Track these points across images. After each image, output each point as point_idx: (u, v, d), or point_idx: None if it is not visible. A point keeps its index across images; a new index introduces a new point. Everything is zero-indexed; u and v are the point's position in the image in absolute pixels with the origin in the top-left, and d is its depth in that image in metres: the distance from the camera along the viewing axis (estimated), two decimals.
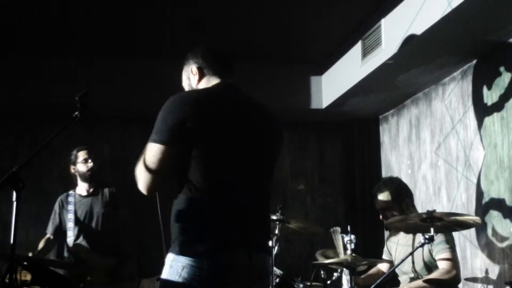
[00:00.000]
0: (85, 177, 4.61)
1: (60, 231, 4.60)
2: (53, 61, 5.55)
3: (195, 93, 2.34)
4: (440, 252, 3.64)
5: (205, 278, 2.09)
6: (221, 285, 2.12)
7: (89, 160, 4.60)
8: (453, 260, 3.62)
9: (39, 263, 4.07)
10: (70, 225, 4.52)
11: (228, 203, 2.19)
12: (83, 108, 2.48)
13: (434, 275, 3.60)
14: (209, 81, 2.41)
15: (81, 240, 4.50)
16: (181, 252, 2.12)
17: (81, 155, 4.62)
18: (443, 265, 3.62)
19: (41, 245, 4.55)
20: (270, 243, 2.51)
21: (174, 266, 2.12)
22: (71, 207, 4.58)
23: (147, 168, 2.16)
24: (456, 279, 3.61)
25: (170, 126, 2.14)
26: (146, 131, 7.18)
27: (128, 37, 5.22)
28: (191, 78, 2.45)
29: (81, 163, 4.60)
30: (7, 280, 2.39)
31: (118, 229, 4.60)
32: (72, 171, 4.65)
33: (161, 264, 2.23)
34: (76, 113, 2.48)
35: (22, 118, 5.96)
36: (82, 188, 4.66)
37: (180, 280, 2.10)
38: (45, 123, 5.19)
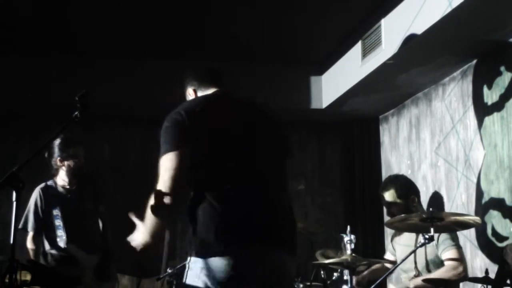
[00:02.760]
0: (72, 173, 4.25)
1: (43, 226, 4.22)
2: (53, 61, 5.55)
3: (186, 102, 2.53)
4: (446, 250, 3.63)
5: (223, 278, 2.17)
6: (239, 284, 2.19)
7: (81, 157, 4.27)
8: (460, 257, 3.62)
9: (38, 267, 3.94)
10: (59, 223, 4.17)
11: (237, 202, 2.26)
12: (83, 108, 2.48)
13: (440, 271, 3.59)
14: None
15: (71, 239, 4.17)
16: (198, 253, 2.22)
17: (73, 150, 4.24)
18: (449, 262, 3.61)
19: (31, 246, 4.21)
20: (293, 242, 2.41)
21: (193, 268, 2.22)
22: (55, 202, 4.23)
23: (166, 181, 2.21)
24: (463, 276, 3.60)
25: (173, 134, 2.29)
26: (146, 131, 7.17)
27: (128, 37, 5.22)
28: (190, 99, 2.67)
29: (72, 159, 4.22)
30: (7, 280, 2.39)
31: (98, 226, 4.34)
32: (59, 163, 4.24)
33: (160, 264, 2.25)
34: (76, 113, 2.48)
35: (22, 118, 5.96)
36: (64, 181, 4.30)
37: (200, 282, 2.18)
38: (45, 123, 5.19)
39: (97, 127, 5.92)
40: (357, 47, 5.06)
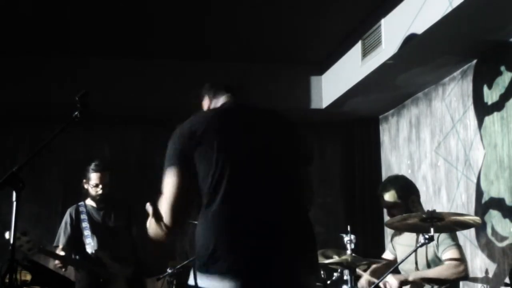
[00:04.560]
0: (95, 200, 4.49)
1: (73, 241, 4.44)
2: (53, 61, 5.55)
3: (190, 119, 2.36)
4: (446, 250, 3.61)
5: None
6: None
7: (100, 186, 4.43)
8: (460, 256, 3.60)
9: (78, 264, 4.33)
10: (87, 233, 4.41)
11: (240, 218, 2.13)
12: (83, 108, 2.47)
13: (440, 269, 3.57)
14: (216, 105, 2.52)
15: (99, 247, 4.40)
16: (200, 270, 2.10)
17: (93, 178, 4.43)
18: (450, 261, 3.60)
19: (61, 253, 4.36)
20: (312, 258, 2.23)
21: (196, 282, 2.10)
22: (84, 216, 4.45)
23: (167, 199, 2.17)
24: (464, 275, 3.59)
25: (175, 151, 2.23)
26: (146, 131, 7.15)
27: (128, 37, 5.22)
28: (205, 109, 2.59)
29: (92, 187, 4.45)
30: (7, 280, 2.39)
31: (130, 242, 4.56)
32: (84, 186, 4.50)
33: (160, 265, 2.23)
34: (76, 113, 2.48)
35: (22, 118, 5.96)
36: (93, 203, 4.54)
37: None
38: (45, 123, 5.18)
39: (97, 127, 5.92)
40: (357, 47, 5.06)
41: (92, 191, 4.45)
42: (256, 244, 2.09)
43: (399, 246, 4.00)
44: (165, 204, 2.17)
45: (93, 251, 4.37)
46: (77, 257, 4.44)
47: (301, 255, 2.18)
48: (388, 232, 5.84)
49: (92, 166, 4.44)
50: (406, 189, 3.94)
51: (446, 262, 3.60)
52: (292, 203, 2.24)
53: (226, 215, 2.13)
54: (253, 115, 2.40)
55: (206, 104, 2.56)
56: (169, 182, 2.19)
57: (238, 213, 2.13)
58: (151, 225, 2.21)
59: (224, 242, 2.08)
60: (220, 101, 2.49)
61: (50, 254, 4.28)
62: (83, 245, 4.41)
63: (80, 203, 4.55)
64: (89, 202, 4.55)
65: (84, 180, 4.49)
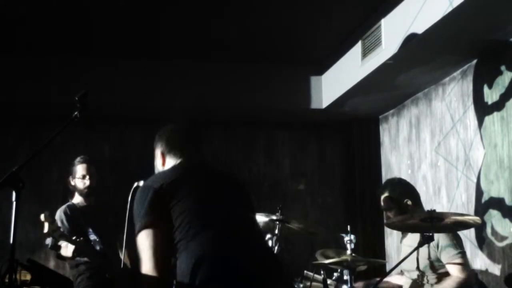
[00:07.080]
0: (83, 194, 4.35)
1: (75, 235, 4.18)
2: (53, 61, 5.54)
3: (160, 175, 2.51)
4: (451, 258, 3.58)
5: None
6: None
7: (87, 177, 4.33)
8: (465, 265, 3.57)
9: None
10: (89, 229, 4.27)
11: (217, 258, 2.26)
12: (83, 108, 2.47)
13: (447, 284, 3.56)
14: (171, 163, 2.61)
15: (103, 244, 4.27)
16: None
17: (80, 169, 4.34)
18: (454, 272, 3.56)
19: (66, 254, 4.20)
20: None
21: None
22: (79, 216, 4.29)
23: (147, 256, 2.24)
24: (467, 284, 3.58)
25: (146, 209, 2.31)
26: (146, 131, 7.14)
27: (127, 37, 5.21)
28: (157, 160, 2.67)
29: (79, 179, 4.33)
30: (7, 280, 2.38)
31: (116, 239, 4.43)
32: (71, 182, 4.38)
33: None
34: (76, 113, 2.48)
35: (22, 118, 5.96)
36: (81, 201, 4.39)
37: None
38: (45, 123, 5.17)
39: (98, 127, 5.92)
40: (357, 47, 5.06)
41: (80, 183, 4.33)
42: (234, 277, 2.24)
43: (403, 246, 4.01)
44: (146, 268, 2.24)
45: (101, 247, 4.23)
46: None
47: (275, 281, 2.39)
48: (388, 232, 5.85)
49: (78, 159, 4.37)
50: (400, 191, 3.93)
51: (453, 276, 3.57)
52: (258, 238, 2.55)
53: (207, 256, 2.25)
54: (212, 172, 2.61)
55: (158, 154, 2.63)
56: (145, 243, 2.25)
57: (216, 253, 2.27)
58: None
59: (203, 279, 2.21)
60: (177, 159, 2.59)
61: (69, 240, 4.01)
62: (88, 240, 4.22)
63: (69, 204, 4.39)
64: (78, 200, 4.39)
65: (70, 176, 4.36)
